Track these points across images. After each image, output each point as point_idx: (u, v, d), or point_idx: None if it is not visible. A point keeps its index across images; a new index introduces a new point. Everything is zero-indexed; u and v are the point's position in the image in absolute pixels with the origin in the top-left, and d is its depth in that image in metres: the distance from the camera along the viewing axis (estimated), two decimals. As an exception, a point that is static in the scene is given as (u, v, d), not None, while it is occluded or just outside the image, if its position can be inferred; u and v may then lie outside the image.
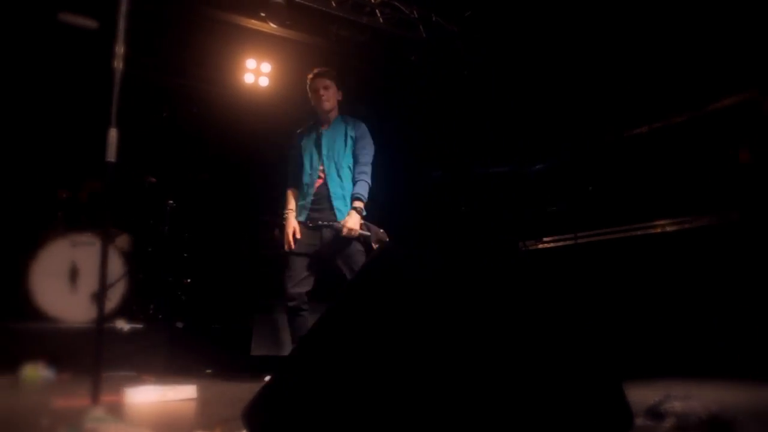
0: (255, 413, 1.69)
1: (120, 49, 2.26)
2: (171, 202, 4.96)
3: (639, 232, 4.75)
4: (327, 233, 3.68)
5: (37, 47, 5.38)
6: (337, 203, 3.71)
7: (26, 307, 4.23)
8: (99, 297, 2.23)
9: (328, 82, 3.82)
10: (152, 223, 5.01)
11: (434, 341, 1.65)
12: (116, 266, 4.52)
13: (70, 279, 4.37)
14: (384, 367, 1.59)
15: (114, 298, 4.45)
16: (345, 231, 3.56)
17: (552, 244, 5.49)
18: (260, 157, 6.19)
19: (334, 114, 3.88)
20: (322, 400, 1.60)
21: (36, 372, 3.81)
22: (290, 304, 3.63)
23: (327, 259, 3.70)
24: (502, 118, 6.10)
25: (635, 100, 4.97)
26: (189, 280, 5.15)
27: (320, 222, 3.70)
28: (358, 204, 3.65)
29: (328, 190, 3.73)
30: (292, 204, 3.82)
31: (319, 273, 3.73)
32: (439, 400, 1.58)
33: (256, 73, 6.31)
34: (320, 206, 3.73)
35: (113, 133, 2.21)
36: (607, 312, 4.45)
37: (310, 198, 3.75)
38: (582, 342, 1.94)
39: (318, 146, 3.82)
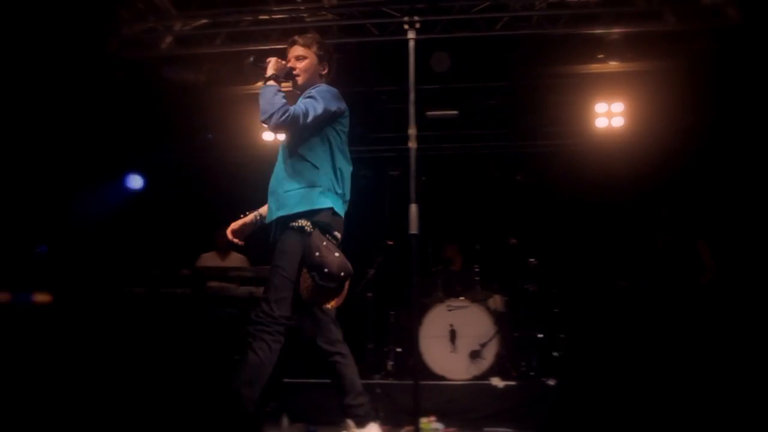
0: None
1: (412, 130, 2.55)
2: (533, 260, 5.11)
3: None
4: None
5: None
6: (269, 200, 2.91)
7: (419, 367, 4.84)
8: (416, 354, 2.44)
9: (301, 51, 2.94)
10: (519, 282, 5.22)
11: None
12: (488, 326, 4.83)
13: (450, 340, 4.85)
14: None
15: (488, 356, 4.74)
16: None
17: None
18: (618, 202, 5.88)
19: None
20: None
21: (429, 425, 4.34)
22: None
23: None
24: None
25: None
26: (563, 336, 5.11)
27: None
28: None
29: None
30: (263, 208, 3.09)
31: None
32: None
33: (608, 115, 6.09)
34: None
35: (413, 209, 2.48)
36: None
37: None
38: None
39: None
